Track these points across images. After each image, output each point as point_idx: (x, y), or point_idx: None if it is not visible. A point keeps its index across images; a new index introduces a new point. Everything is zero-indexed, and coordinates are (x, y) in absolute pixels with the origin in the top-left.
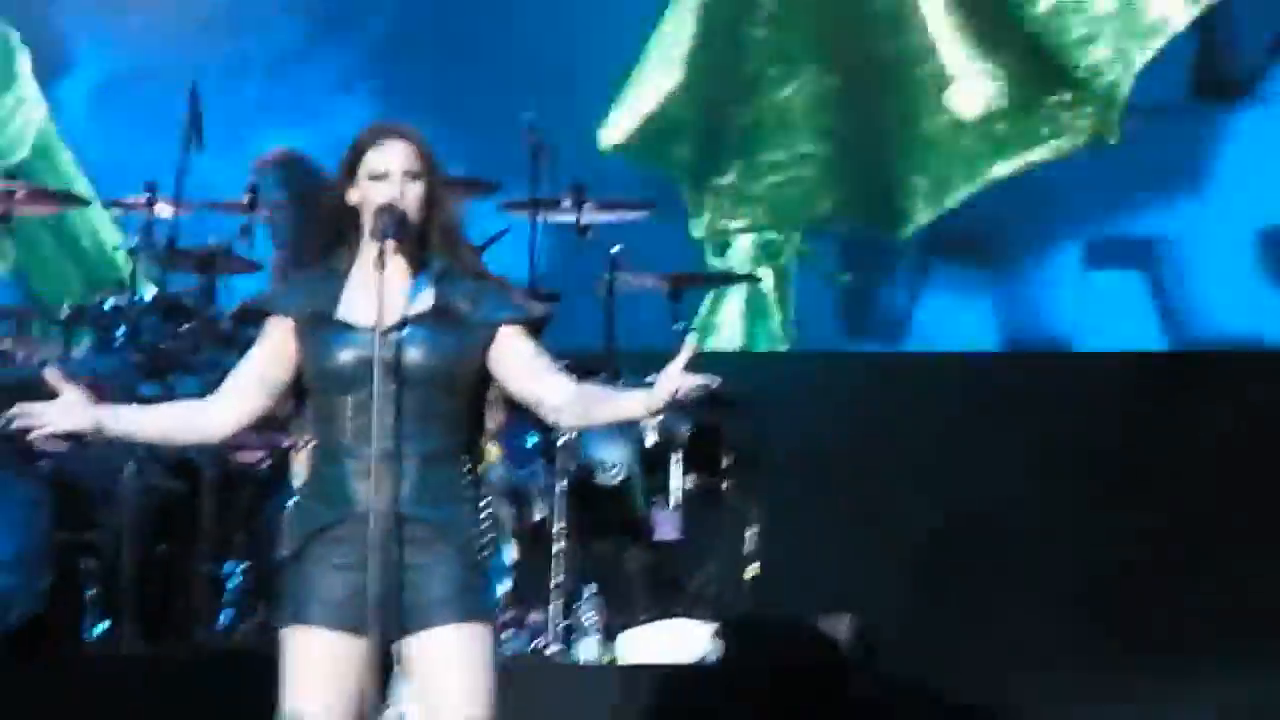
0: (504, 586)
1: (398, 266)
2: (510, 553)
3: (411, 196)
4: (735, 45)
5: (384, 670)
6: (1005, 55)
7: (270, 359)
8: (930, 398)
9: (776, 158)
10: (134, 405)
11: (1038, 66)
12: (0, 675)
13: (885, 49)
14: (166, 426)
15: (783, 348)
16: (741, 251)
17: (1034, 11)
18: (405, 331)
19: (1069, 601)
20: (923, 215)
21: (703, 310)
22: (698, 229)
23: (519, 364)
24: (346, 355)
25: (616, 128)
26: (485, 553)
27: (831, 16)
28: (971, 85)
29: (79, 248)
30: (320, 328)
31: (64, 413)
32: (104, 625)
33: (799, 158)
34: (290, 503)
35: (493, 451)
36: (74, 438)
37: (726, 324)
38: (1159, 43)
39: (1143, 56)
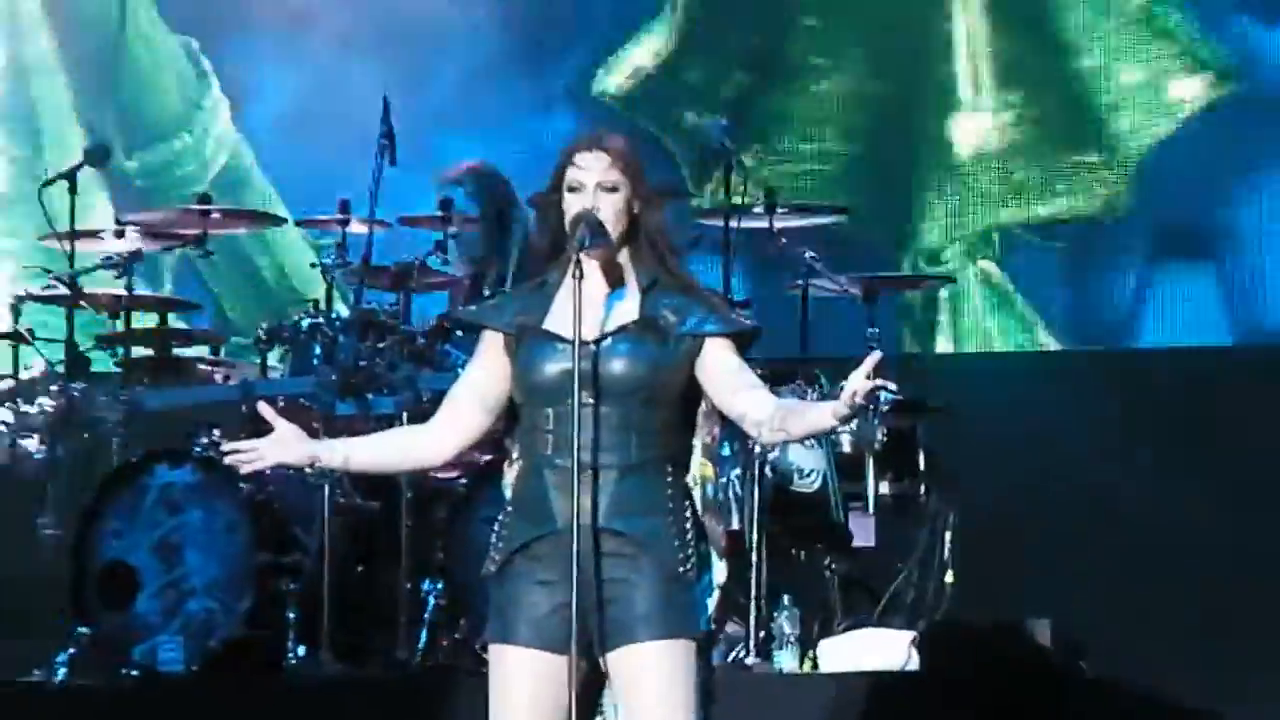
0: (713, 603)
1: (602, 278)
2: (720, 571)
3: (607, 208)
4: (783, 28)
5: (594, 687)
6: (1039, 101)
7: (485, 375)
8: (1144, 396)
9: (799, 148)
10: (351, 438)
11: (1069, 121)
12: (202, 701)
13: (930, 70)
14: (385, 456)
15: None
16: (954, 252)
17: (1077, 65)
18: (608, 343)
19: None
20: (931, 238)
21: (943, 317)
22: (702, 200)
23: (722, 378)
24: (550, 367)
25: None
26: (689, 567)
27: (881, 24)
28: (974, 118)
29: (273, 268)
30: (528, 340)
31: (279, 447)
32: (304, 648)
33: (820, 153)
34: (497, 518)
35: (707, 468)
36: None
37: (975, 326)
38: (1173, 125)
39: (1159, 133)
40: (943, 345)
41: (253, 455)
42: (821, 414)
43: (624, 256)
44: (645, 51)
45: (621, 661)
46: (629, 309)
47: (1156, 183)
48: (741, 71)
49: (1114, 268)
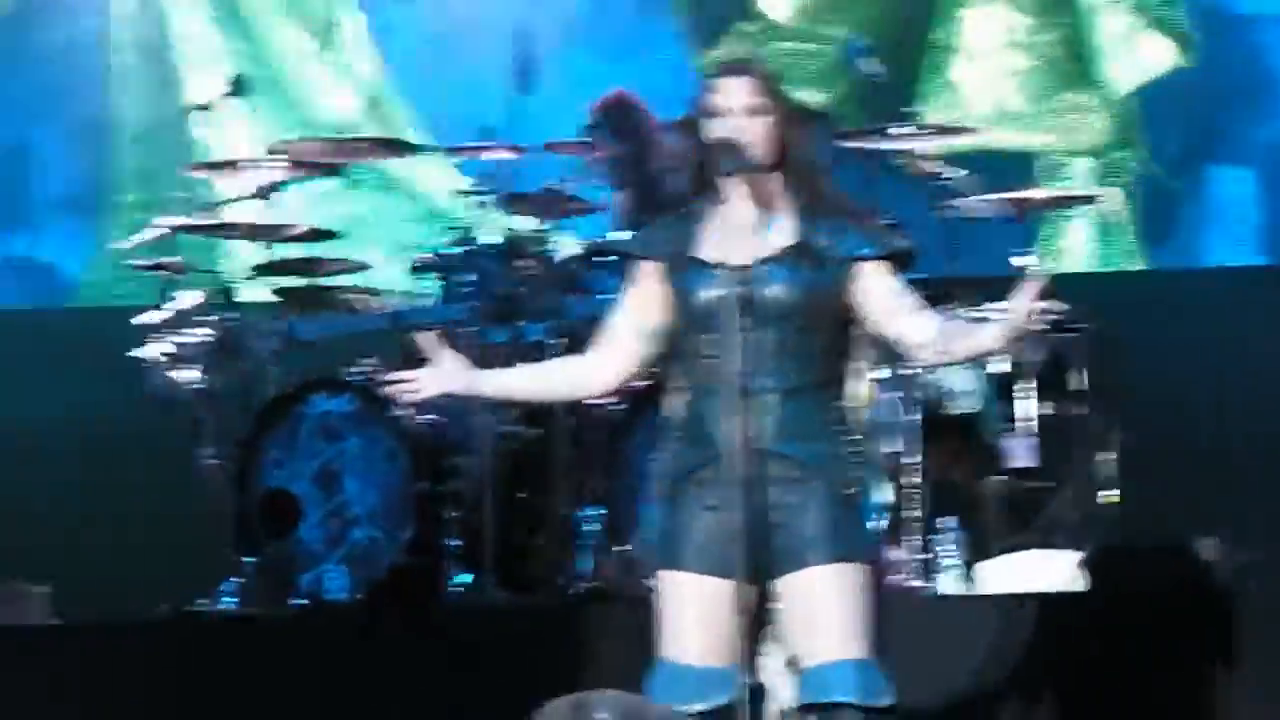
0: (880, 525)
1: (752, 203)
2: (885, 491)
3: (753, 133)
4: None
5: (761, 614)
6: (1048, 31)
7: (641, 305)
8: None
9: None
10: (510, 369)
11: (1067, 58)
12: (366, 627)
13: None
14: (545, 387)
15: (1135, 267)
16: (1087, 170)
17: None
18: (764, 269)
19: None
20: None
21: (1046, 234)
22: (1037, 146)
23: (879, 301)
24: (706, 294)
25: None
26: (856, 490)
27: None
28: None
29: (419, 198)
30: (682, 268)
31: (438, 378)
32: (466, 575)
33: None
34: (661, 444)
35: (866, 391)
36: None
37: (1074, 247)
38: (1139, 80)
39: (1124, 91)
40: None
41: (414, 385)
42: (986, 336)
43: (774, 181)
44: None
45: (791, 586)
46: (783, 234)
47: None
48: None
49: None
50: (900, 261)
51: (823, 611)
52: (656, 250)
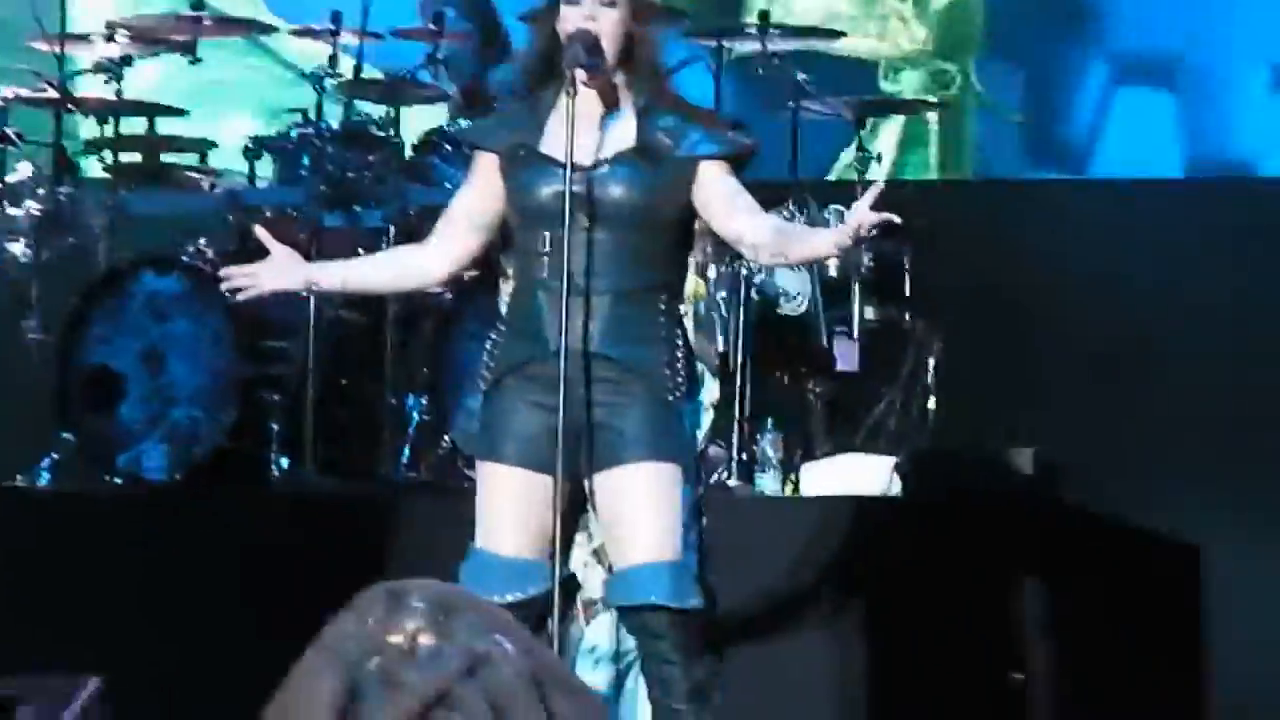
0: (707, 420)
1: (597, 99)
2: (713, 390)
3: (606, 23)
4: None
5: (577, 508)
6: None
7: (479, 196)
8: (1110, 225)
9: None
10: (345, 261)
11: None
12: (185, 509)
13: None
14: (381, 278)
15: (939, 176)
16: (914, 80)
17: None
18: (605, 168)
19: (1240, 427)
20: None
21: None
22: (864, 53)
23: (718, 201)
24: (544, 190)
25: None
26: (679, 393)
27: None
28: None
29: (262, 77)
30: (522, 161)
31: (275, 272)
32: (287, 460)
33: None
34: (490, 335)
35: (700, 286)
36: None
37: (884, 154)
38: None
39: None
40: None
41: (249, 280)
42: (822, 241)
43: (619, 78)
44: None
45: (607, 483)
46: (625, 133)
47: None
48: None
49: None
50: (742, 160)
51: (635, 511)
52: (496, 141)
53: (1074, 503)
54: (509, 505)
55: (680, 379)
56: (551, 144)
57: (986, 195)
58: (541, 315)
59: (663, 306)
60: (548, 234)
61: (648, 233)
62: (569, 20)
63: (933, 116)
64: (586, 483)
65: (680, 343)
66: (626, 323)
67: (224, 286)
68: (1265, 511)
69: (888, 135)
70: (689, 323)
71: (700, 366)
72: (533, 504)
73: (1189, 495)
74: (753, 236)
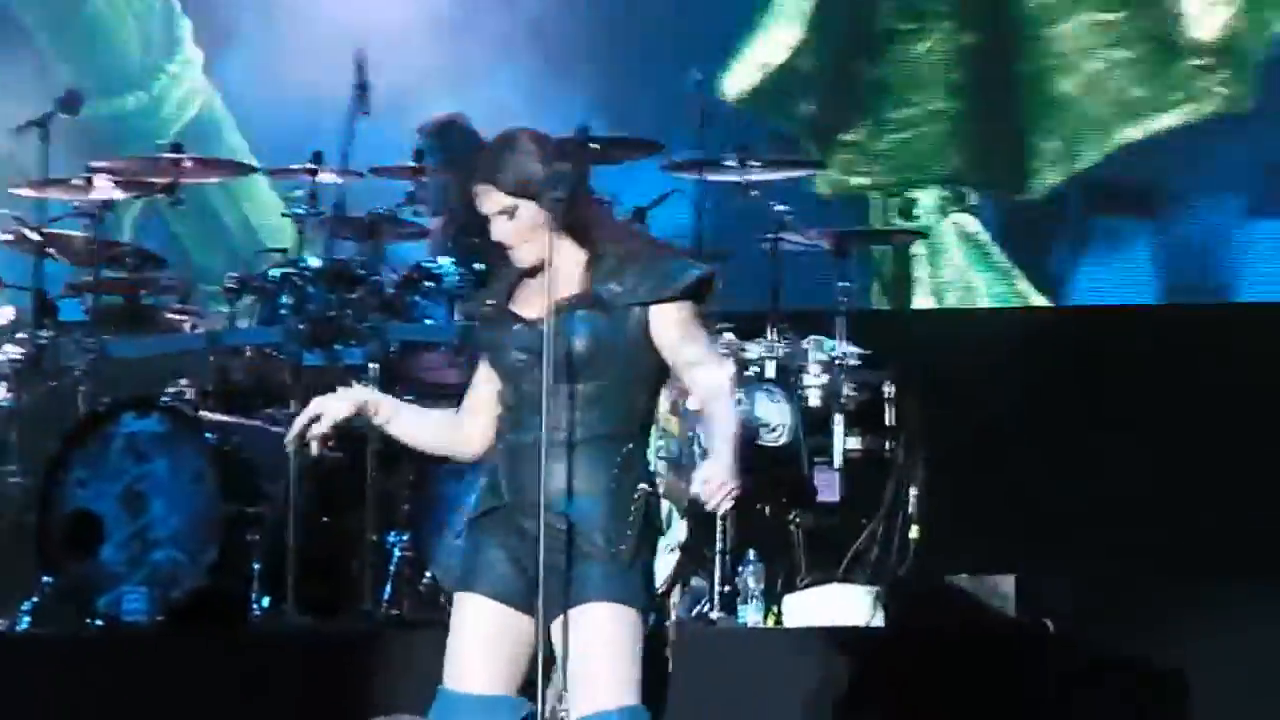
0: (670, 563)
1: (556, 259)
2: (680, 529)
3: (514, 234)
4: (864, 1)
5: (547, 649)
6: (1140, 16)
7: (486, 365)
8: (1092, 352)
9: (905, 114)
10: (414, 409)
11: (1172, 29)
12: (166, 652)
13: (1019, 7)
14: (431, 438)
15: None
16: (928, 207)
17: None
18: (557, 321)
19: (1242, 564)
20: (1050, 176)
21: (923, 270)
22: (822, 185)
23: (667, 352)
24: (506, 349)
25: (736, 79)
26: (624, 548)
27: None
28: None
29: (242, 218)
30: (493, 322)
31: (332, 401)
32: (268, 599)
33: (928, 114)
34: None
35: (672, 424)
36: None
37: (957, 282)
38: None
39: (1275, 24)
40: (921, 300)
41: (311, 416)
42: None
43: (564, 242)
44: None
45: (569, 624)
46: (573, 286)
47: None
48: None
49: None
50: (697, 291)
51: (587, 655)
52: (479, 309)
53: (1058, 629)
54: (479, 638)
55: (629, 534)
56: (517, 303)
57: (964, 323)
58: (503, 467)
59: (619, 458)
60: (512, 387)
61: (605, 382)
62: (491, 232)
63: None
64: (550, 623)
65: (632, 497)
66: (581, 473)
67: (290, 441)
68: (1251, 634)
69: (953, 258)
70: (662, 464)
71: (668, 507)
72: (503, 638)
73: (1173, 617)
74: (692, 394)
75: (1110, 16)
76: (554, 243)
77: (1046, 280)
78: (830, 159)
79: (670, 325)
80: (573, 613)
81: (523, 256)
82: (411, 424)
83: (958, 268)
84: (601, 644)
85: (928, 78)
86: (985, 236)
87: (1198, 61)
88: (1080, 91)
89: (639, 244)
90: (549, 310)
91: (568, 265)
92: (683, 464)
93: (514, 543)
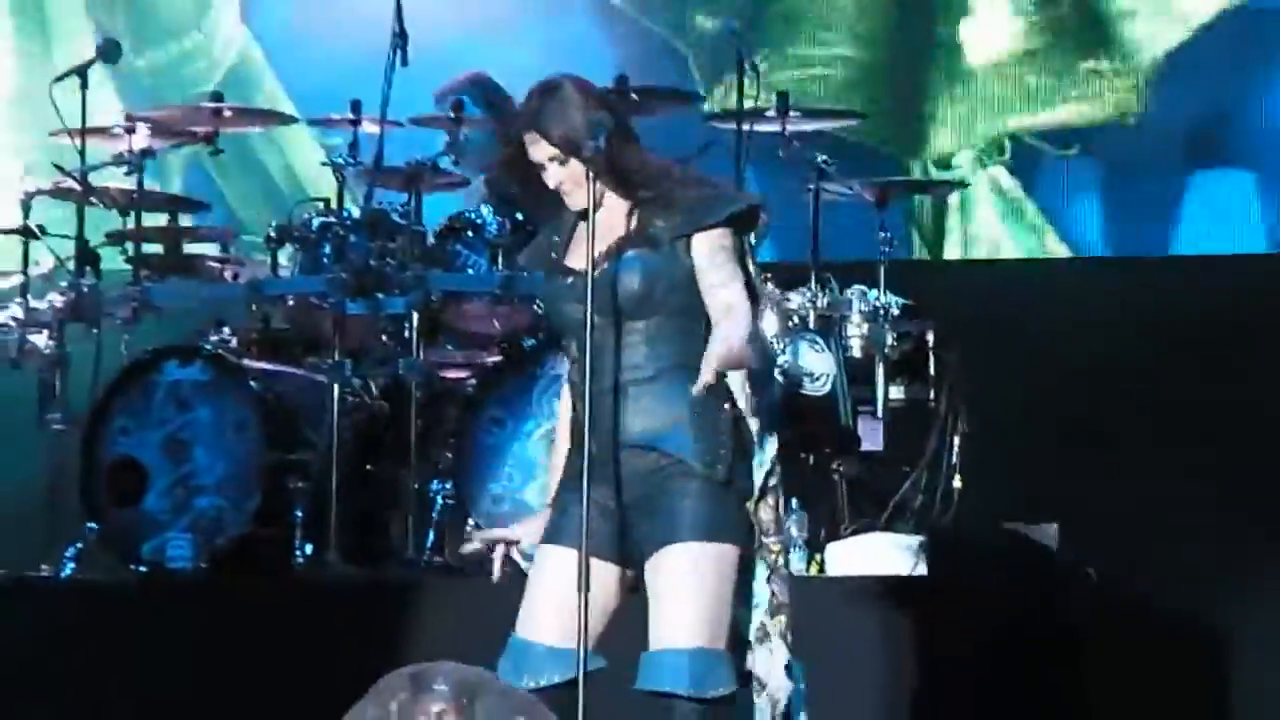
0: (764, 478)
1: (609, 206)
2: (771, 446)
3: (567, 179)
4: None
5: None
6: (1054, 7)
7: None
8: (1137, 302)
9: (809, 52)
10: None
11: (1081, 26)
12: (210, 598)
13: None
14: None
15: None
16: (964, 161)
17: None
18: (610, 266)
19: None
20: (942, 144)
21: (954, 221)
22: (710, 104)
23: (699, 274)
24: (564, 300)
25: None
26: (720, 469)
27: None
28: (987, 25)
29: (282, 167)
30: (551, 277)
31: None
32: (311, 547)
33: (832, 58)
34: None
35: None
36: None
37: (985, 233)
38: (1183, 33)
39: (1168, 42)
40: (952, 251)
41: (508, 540)
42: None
43: (611, 186)
44: None
45: (652, 567)
46: (632, 228)
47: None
48: None
49: (1135, 174)
50: (741, 223)
51: (666, 595)
52: (539, 266)
53: (1100, 578)
54: (555, 586)
55: (722, 453)
56: (570, 255)
57: (1015, 274)
58: (583, 418)
59: (690, 385)
60: (575, 340)
61: (665, 318)
62: (544, 179)
63: (987, 198)
64: (639, 572)
65: (719, 417)
66: (657, 410)
67: (464, 552)
68: None
69: (985, 213)
70: (736, 384)
71: (755, 424)
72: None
73: (1215, 569)
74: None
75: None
76: (599, 190)
77: (1073, 236)
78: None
79: (703, 252)
80: (660, 553)
81: (578, 200)
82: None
83: (987, 221)
84: (689, 581)
85: (839, 20)
86: (1019, 192)
87: (1094, 65)
88: (984, 69)
89: (686, 183)
90: (588, 258)
91: (616, 212)
92: (758, 379)
93: (603, 492)
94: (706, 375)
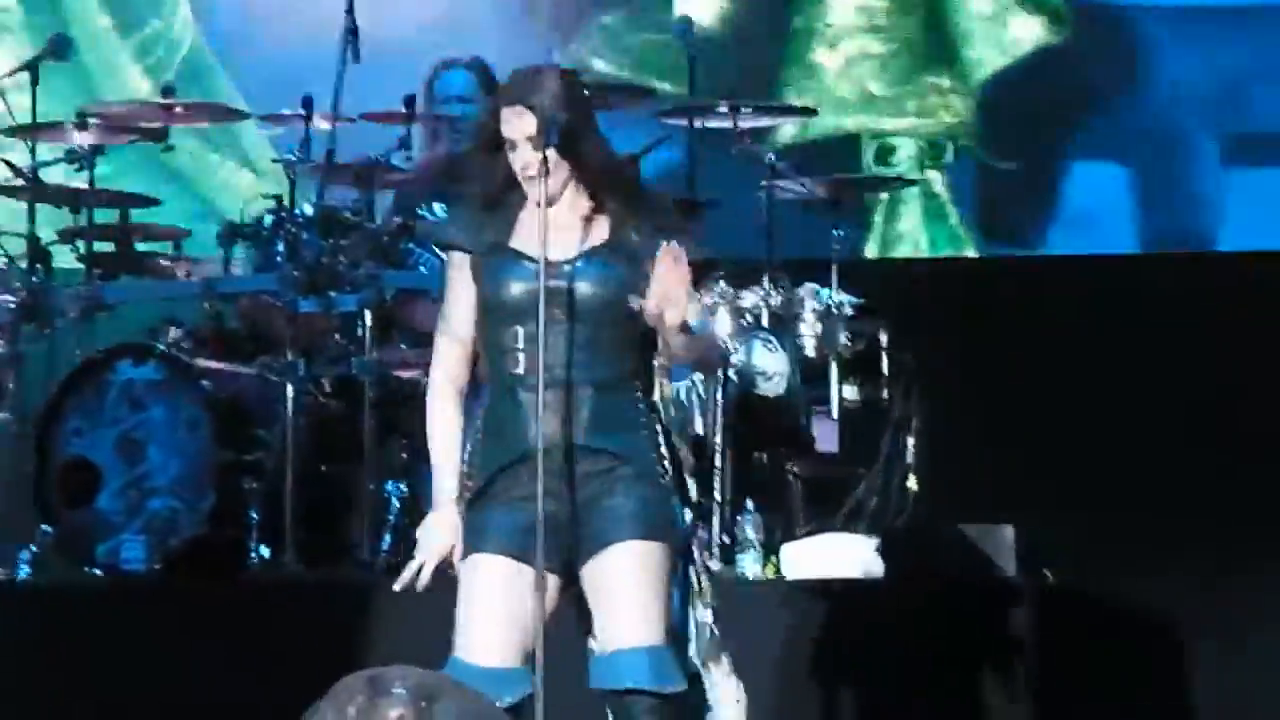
0: (688, 516)
1: (565, 201)
2: (689, 487)
3: (537, 161)
4: None
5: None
6: (907, 16)
7: (468, 296)
8: (1079, 301)
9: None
10: (446, 463)
11: (928, 40)
12: (165, 600)
13: None
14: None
15: (968, 251)
16: (905, 157)
17: None
18: (579, 264)
19: (1229, 513)
20: (788, 134)
21: (878, 219)
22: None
23: (657, 293)
24: (519, 287)
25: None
26: (667, 476)
27: None
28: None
29: (233, 163)
30: (495, 258)
31: (441, 539)
32: (266, 548)
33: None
34: (471, 440)
35: (665, 388)
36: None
37: (908, 231)
38: (1006, 60)
39: (994, 68)
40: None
41: (420, 564)
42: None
43: (581, 182)
44: None
45: (595, 565)
46: (598, 230)
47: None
48: None
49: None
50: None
51: (619, 593)
52: (471, 241)
53: (1057, 580)
54: (491, 602)
55: (667, 463)
56: (523, 242)
57: (968, 271)
58: (522, 414)
59: (639, 395)
60: (521, 330)
61: (621, 326)
62: (513, 161)
63: (942, 189)
64: (579, 571)
65: (660, 429)
66: (609, 413)
67: (400, 585)
68: (1250, 587)
69: (909, 213)
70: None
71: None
72: (517, 598)
73: (1172, 570)
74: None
75: (879, 4)
76: (563, 182)
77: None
78: None
79: (668, 262)
80: (605, 552)
81: (539, 188)
82: (456, 457)
83: (913, 222)
84: (635, 580)
85: None
86: (946, 195)
87: (941, 81)
88: (832, 67)
89: (646, 188)
90: (542, 252)
91: (576, 209)
92: (675, 427)
93: (533, 493)
94: (681, 312)
